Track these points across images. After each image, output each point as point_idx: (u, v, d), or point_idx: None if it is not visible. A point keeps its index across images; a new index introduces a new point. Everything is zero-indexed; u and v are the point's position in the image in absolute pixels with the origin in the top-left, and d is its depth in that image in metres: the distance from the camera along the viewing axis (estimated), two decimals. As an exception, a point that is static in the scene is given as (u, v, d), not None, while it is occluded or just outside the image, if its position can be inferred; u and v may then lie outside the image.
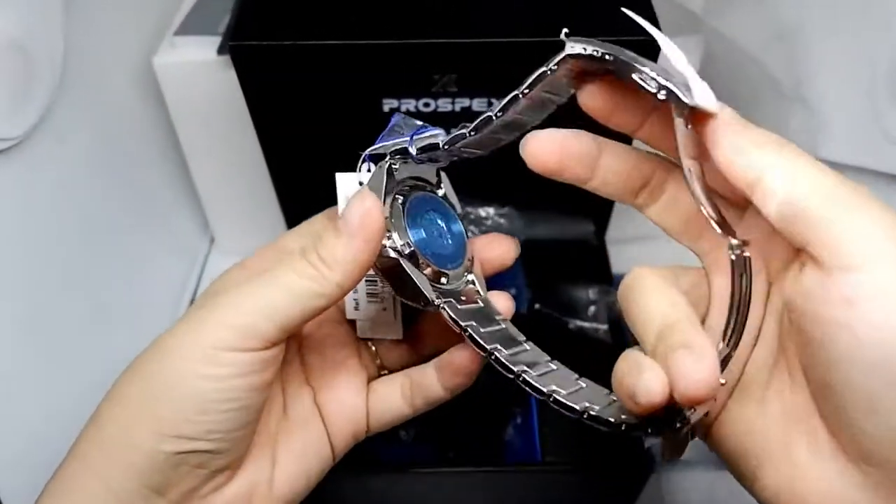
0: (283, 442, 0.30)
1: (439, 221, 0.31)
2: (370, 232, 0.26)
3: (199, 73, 0.49)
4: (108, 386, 0.48)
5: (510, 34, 0.44)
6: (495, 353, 0.27)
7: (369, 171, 0.31)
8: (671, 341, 0.21)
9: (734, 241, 0.22)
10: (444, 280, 0.30)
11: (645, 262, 0.61)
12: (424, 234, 0.29)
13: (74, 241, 0.45)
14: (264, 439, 0.29)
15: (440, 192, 0.32)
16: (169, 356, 0.26)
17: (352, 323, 0.33)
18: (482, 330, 0.28)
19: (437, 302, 0.28)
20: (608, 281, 0.57)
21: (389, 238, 0.28)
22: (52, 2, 0.41)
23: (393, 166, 0.30)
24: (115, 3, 0.49)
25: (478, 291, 0.31)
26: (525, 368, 0.26)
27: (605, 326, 0.55)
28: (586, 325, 0.55)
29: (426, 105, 0.48)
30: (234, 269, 0.33)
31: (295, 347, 0.33)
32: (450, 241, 0.31)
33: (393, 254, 0.28)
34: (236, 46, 0.45)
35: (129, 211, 0.52)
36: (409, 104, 0.48)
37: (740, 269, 0.23)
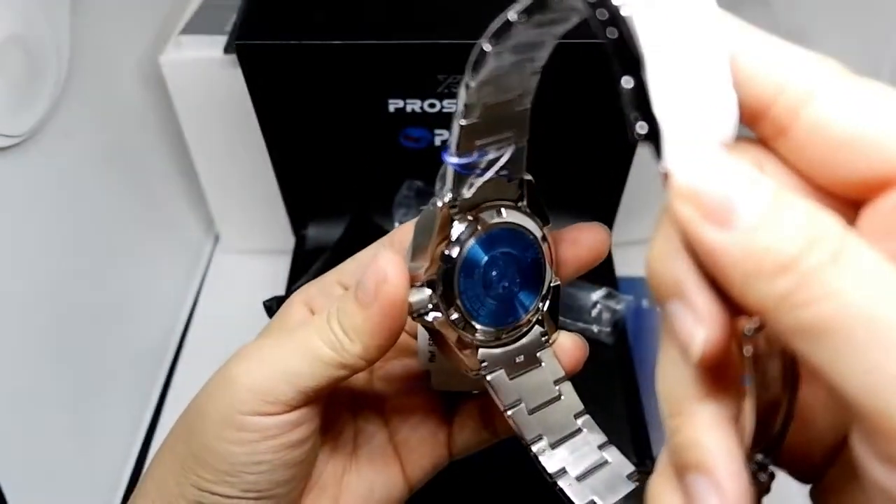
0: (348, 483, 0.29)
1: (509, 259, 0.25)
2: (387, 302, 0.23)
3: (206, 72, 0.49)
4: (111, 383, 0.48)
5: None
6: (533, 447, 0.24)
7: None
8: (684, 457, 0.16)
9: (750, 323, 0.15)
10: (503, 336, 0.26)
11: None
12: (481, 289, 0.25)
13: (79, 238, 0.45)
14: (327, 480, 0.29)
15: (521, 205, 0.26)
16: (202, 418, 0.25)
17: (426, 373, 0.30)
18: (529, 413, 0.25)
19: (482, 374, 0.25)
20: (612, 284, 0.57)
21: (432, 301, 0.24)
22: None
23: (452, 208, 0.24)
24: (121, 2, 0.50)
25: (544, 337, 0.27)
26: (563, 470, 0.24)
27: (608, 329, 0.55)
28: (589, 327, 0.55)
29: (431, 106, 0.48)
30: (295, 306, 0.29)
31: (368, 385, 0.31)
32: (517, 284, 0.26)
33: (432, 319, 0.24)
34: (242, 45, 0.45)
35: (134, 208, 0.52)
36: (415, 105, 0.48)
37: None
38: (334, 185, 0.56)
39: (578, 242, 0.27)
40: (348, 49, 0.45)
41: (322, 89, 0.48)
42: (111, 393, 0.49)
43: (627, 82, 0.14)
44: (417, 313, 0.24)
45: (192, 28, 0.50)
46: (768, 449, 0.17)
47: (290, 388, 0.24)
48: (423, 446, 0.30)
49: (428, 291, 0.24)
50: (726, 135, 0.15)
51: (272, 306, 0.52)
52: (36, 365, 0.41)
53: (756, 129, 0.17)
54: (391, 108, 0.48)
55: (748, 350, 0.15)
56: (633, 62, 0.14)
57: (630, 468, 0.24)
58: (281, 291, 0.55)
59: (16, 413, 0.39)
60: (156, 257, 0.56)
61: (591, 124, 0.50)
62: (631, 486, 0.24)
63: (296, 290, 0.30)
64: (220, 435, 0.24)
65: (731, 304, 0.15)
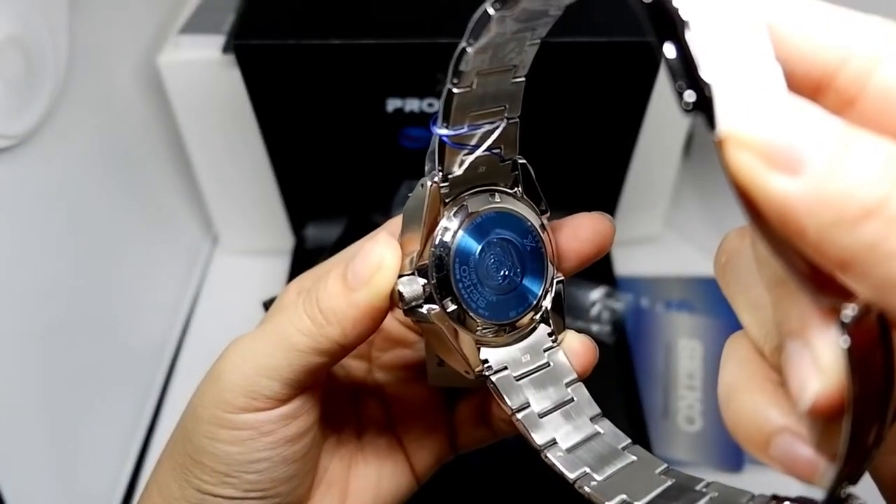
0: (356, 476, 0.28)
1: (508, 245, 0.24)
2: (379, 289, 0.22)
3: (204, 72, 0.49)
4: (110, 384, 0.48)
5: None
6: (548, 453, 0.22)
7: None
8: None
9: (849, 310, 0.13)
10: (504, 332, 0.24)
11: (647, 263, 0.61)
12: (479, 277, 0.23)
13: (78, 239, 0.45)
14: (334, 475, 0.28)
15: (517, 191, 0.24)
16: (195, 420, 0.24)
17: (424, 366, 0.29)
18: (539, 416, 0.23)
19: (485, 374, 0.23)
20: (611, 282, 0.57)
21: (426, 291, 0.22)
22: (57, 0, 0.41)
23: (443, 181, 0.23)
24: (119, 2, 0.49)
25: (551, 336, 0.25)
26: (585, 472, 0.21)
27: (607, 328, 0.55)
28: (588, 326, 0.55)
29: (430, 105, 0.48)
30: (290, 294, 0.29)
31: (367, 375, 0.30)
32: (518, 274, 0.24)
33: (427, 311, 0.22)
34: (241, 45, 0.45)
35: (132, 209, 0.52)
36: (413, 104, 0.48)
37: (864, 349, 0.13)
38: (334, 185, 0.56)
39: (580, 234, 0.25)
40: (347, 49, 0.45)
41: (321, 89, 0.48)
42: (110, 394, 0.49)
43: (669, 50, 0.13)
44: (409, 306, 0.22)
45: (191, 28, 0.50)
46: (859, 463, 0.14)
47: (272, 381, 0.23)
48: (425, 437, 0.29)
49: (421, 281, 0.22)
50: (780, 90, 0.14)
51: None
52: (34, 366, 0.41)
53: (820, 103, 0.15)
54: (390, 108, 0.48)
55: (845, 341, 0.13)
56: (671, 27, 0.13)
57: (661, 465, 0.22)
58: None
59: (13, 415, 0.39)
60: (155, 258, 0.56)
61: (590, 124, 0.50)
62: (666, 483, 0.22)
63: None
64: (215, 436, 0.24)
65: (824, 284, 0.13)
